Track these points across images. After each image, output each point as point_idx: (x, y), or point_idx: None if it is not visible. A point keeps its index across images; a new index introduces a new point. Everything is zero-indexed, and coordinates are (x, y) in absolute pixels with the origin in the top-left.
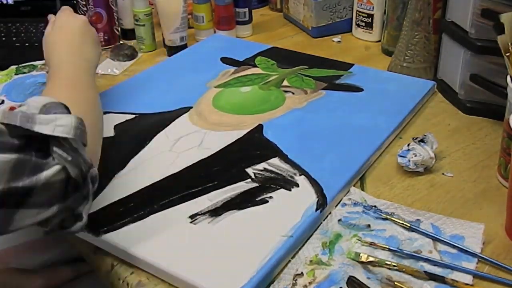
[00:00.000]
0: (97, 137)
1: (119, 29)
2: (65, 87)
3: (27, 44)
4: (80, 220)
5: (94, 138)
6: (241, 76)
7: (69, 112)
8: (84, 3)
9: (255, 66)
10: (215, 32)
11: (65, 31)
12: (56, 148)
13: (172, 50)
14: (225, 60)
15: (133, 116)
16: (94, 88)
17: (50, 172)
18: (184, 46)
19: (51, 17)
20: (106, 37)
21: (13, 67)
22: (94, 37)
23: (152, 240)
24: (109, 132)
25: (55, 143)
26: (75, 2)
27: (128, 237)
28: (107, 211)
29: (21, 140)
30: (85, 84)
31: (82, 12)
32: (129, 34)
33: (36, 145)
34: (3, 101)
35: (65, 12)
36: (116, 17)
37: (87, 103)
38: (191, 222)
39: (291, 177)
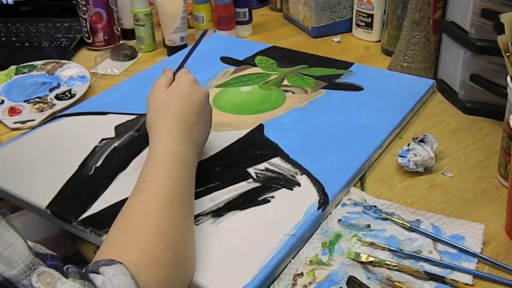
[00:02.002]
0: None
1: (119, 29)
2: (161, 192)
3: (27, 44)
4: None
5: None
6: (241, 75)
7: None
8: (84, 3)
9: (255, 65)
10: (215, 32)
11: (184, 102)
12: None
13: (172, 50)
14: (225, 60)
15: (133, 116)
16: (192, 188)
17: None
18: (184, 46)
19: (167, 70)
20: (106, 37)
21: (13, 67)
22: (209, 116)
23: None
24: (110, 133)
25: None
26: (75, 2)
27: None
28: (109, 211)
29: None
30: (187, 190)
31: (82, 12)
32: (129, 34)
33: None
34: (3, 101)
35: (189, 76)
36: (116, 17)
37: (178, 231)
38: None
39: (293, 176)
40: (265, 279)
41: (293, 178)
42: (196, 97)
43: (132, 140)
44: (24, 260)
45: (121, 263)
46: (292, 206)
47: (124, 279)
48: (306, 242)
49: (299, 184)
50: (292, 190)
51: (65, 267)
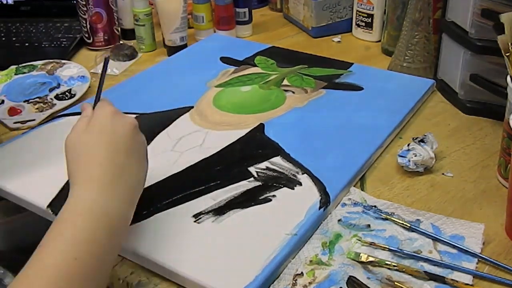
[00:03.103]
0: None
1: (119, 29)
2: (55, 263)
3: (27, 44)
4: None
5: None
6: (241, 75)
7: None
8: (84, 3)
9: (254, 65)
10: (215, 32)
11: (106, 140)
12: None
13: (172, 50)
14: (225, 60)
15: (134, 116)
16: (113, 251)
17: None
18: (184, 46)
19: (85, 108)
20: (106, 37)
21: (13, 67)
22: (143, 149)
23: (157, 239)
24: None
25: None
26: (75, 2)
27: (133, 237)
28: None
29: None
30: (99, 257)
31: (82, 12)
32: (129, 34)
33: None
34: (3, 101)
35: (107, 108)
36: (116, 17)
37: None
38: (195, 221)
39: (294, 175)
40: (267, 278)
41: (294, 177)
42: (120, 131)
43: None
44: None
45: None
46: (293, 205)
47: None
48: (305, 243)
49: (300, 183)
50: (293, 189)
51: None
